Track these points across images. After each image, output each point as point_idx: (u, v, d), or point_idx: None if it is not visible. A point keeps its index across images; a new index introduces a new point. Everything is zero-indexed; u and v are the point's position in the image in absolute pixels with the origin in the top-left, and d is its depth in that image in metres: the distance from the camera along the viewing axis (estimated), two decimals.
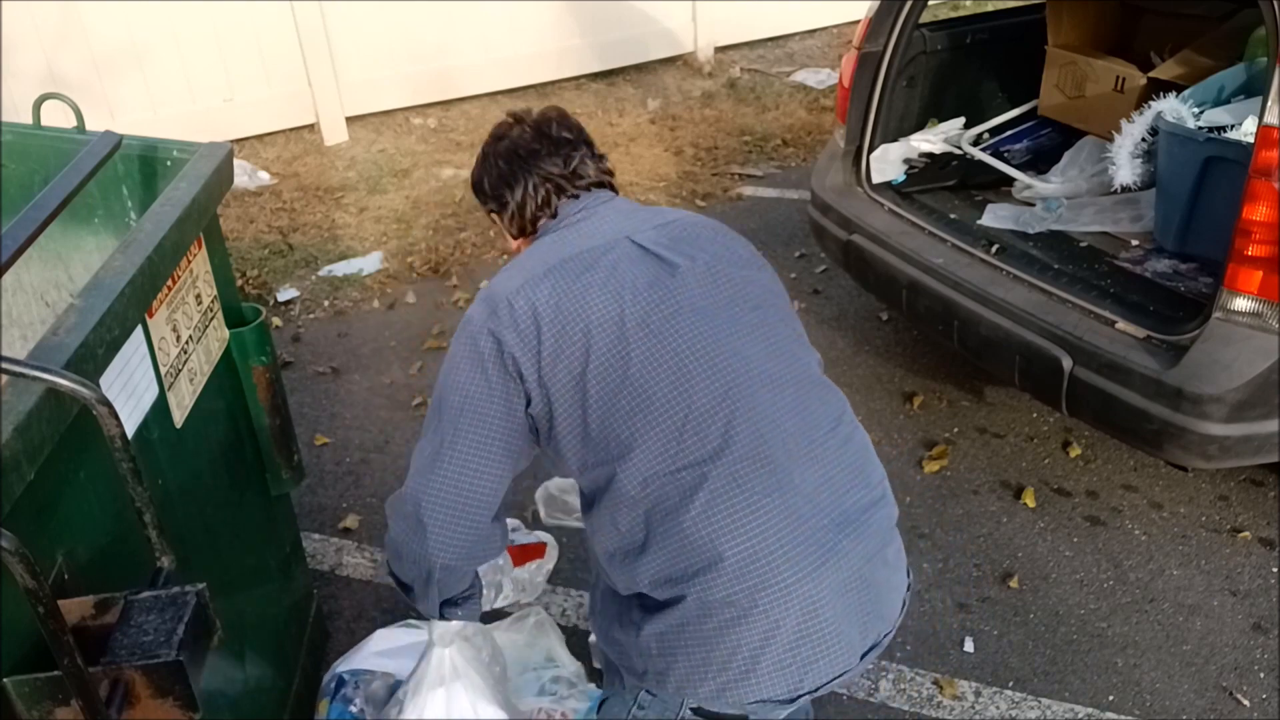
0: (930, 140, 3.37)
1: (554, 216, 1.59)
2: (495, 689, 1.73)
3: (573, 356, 1.38)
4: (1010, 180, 3.32)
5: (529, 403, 1.41)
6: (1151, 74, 3.22)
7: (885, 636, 1.46)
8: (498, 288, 1.48)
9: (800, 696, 1.38)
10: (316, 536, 2.79)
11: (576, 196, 1.59)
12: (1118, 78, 3.36)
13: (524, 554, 1.95)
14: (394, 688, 2.00)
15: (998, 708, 2.28)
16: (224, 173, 1.82)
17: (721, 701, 1.38)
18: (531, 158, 1.60)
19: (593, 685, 2.16)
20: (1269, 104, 2.14)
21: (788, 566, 1.34)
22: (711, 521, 1.34)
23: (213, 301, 1.77)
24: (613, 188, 1.66)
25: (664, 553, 1.37)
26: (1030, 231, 3.01)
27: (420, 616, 2.40)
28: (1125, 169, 2.89)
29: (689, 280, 1.45)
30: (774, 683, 1.35)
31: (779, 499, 1.36)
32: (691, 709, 1.42)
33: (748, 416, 1.38)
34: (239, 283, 3.91)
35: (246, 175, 4.83)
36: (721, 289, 1.47)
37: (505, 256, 4.23)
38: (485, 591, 1.75)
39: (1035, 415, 3.19)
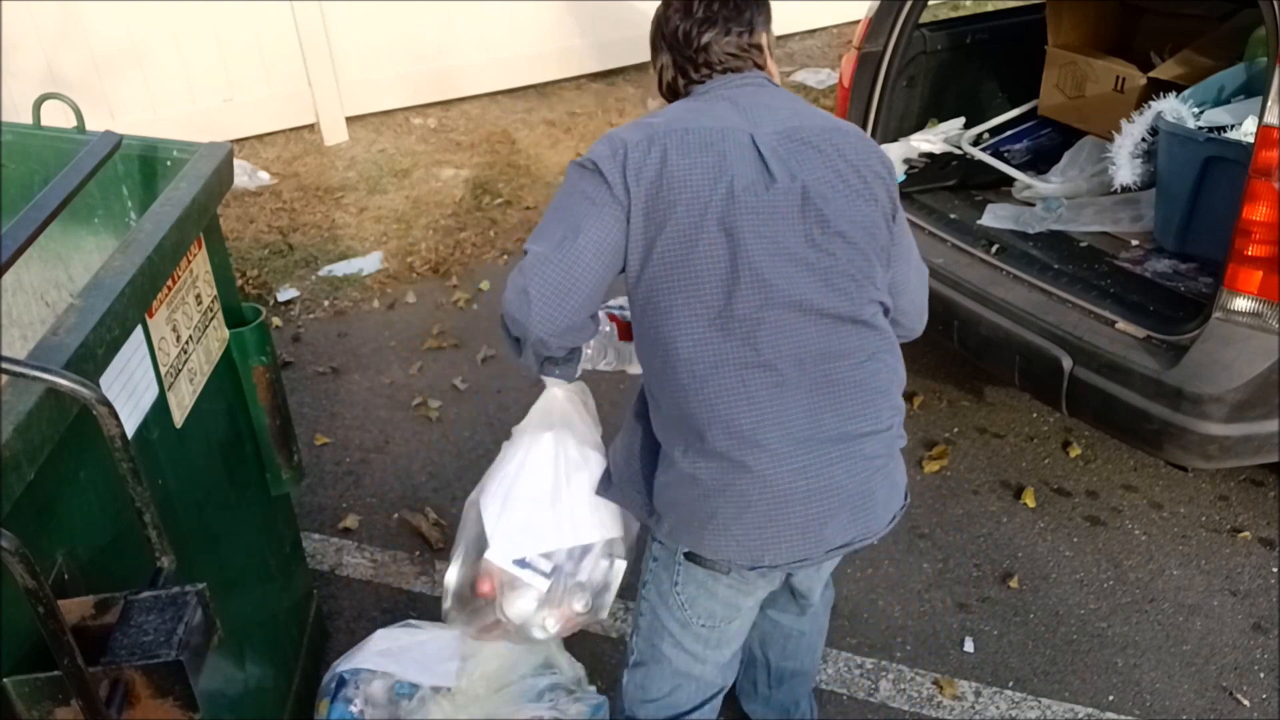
0: (930, 140, 3.37)
1: (687, 94, 1.68)
2: (596, 440, 1.87)
3: (654, 219, 1.51)
4: (1010, 180, 3.32)
5: None
6: (1152, 74, 3.21)
7: (863, 542, 1.61)
8: (623, 133, 1.57)
9: (760, 568, 1.59)
10: (316, 536, 2.79)
11: (702, 81, 1.65)
12: (1118, 78, 3.36)
13: (630, 331, 2.03)
14: (394, 688, 1.99)
15: (998, 708, 2.28)
16: (224, 173, 1.82)
17: (700, 551, 1.61)
18: (672, 35, 1.66)
19: (593, 689, 2.16)
20: (1269, 104, 2.14)
21: (769, 462, 1.50)
22: (712, 409, 1.51)
23: (213, 301, 1.77)
24: (757, 65, 1.70)
25: (667, 419, 1.57)
26: (1030, 231, 3.01)
27: (420, 616, 2.40)
28: (1125, 169, 2.89)
29: (779, 198, 1.52)
30: (739, 552, 1.56)
31: (777, 404, 1.51)
32: (684, 554, 1.66)
33: (773, 331, 1.51)
34: (239, 283, 3.91)
35: (246, 175, 4.83)
36: (806, 216, 1.53)
37: (506, 257, 4.23)
38: (588, 352, 1.88)
39: (1035, 415, 3.19)
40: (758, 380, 1.50)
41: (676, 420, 1.55)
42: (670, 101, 1.70)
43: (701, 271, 1.50)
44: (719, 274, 1.50)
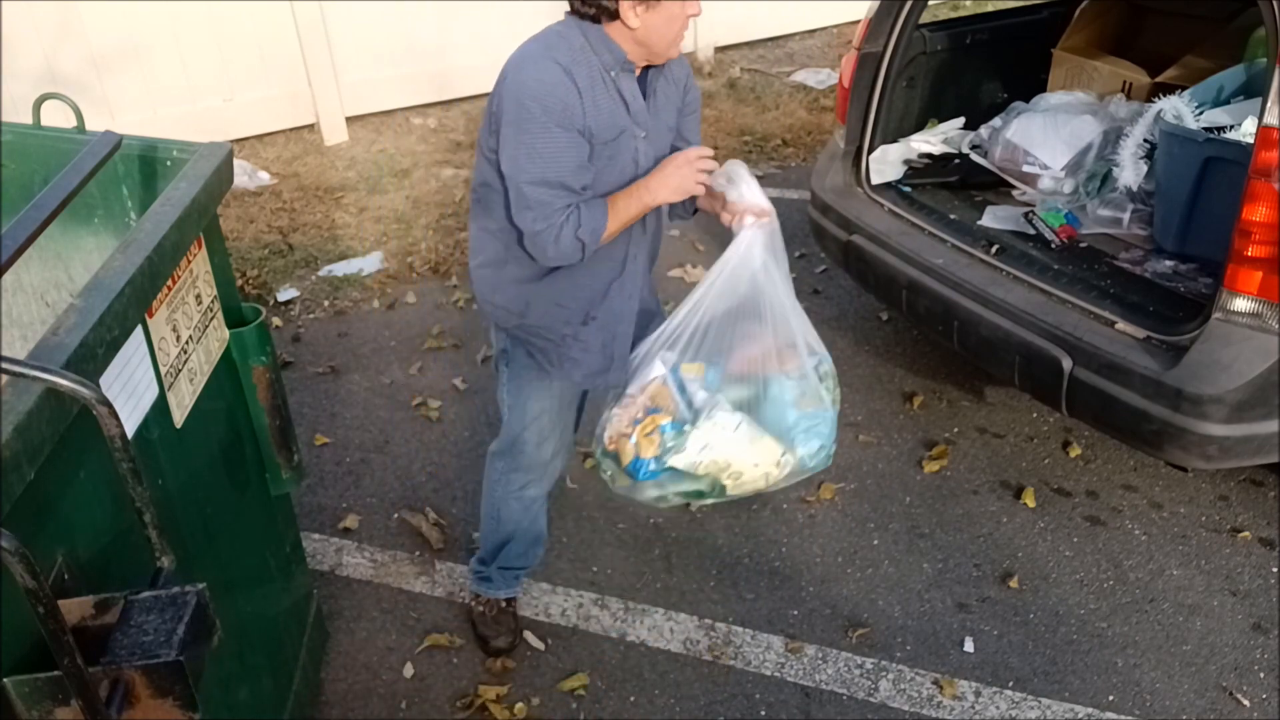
0: (929, 141, 3.37)
1: None
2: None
3: None
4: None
5: None
6: (1159, 79, 3.22)
7: None
8: None
9: None
10: (316, 536, 2.79)
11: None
12: (1125, 82, 3.37)
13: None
14: (661, 428, 2.03)
15: (998, 708, 2.28)
16: (224, 173, 1.82)
17: None
18: None
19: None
20: (1269, 104, 2.14)
21: None
22: None
23: (213, 301, 1.77)
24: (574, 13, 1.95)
25: None
26: (1030, 232, 3.01)
27: (420, 616, 2.39)
28: (1129, 170, 2.90)
29: None
30: None
31: None
32: None
33: None
34: (239, 283, 3.91)
35: (246, 175, 4.83)
36: None
37: None
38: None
39: (1035, 415, 3.19)
40: None
41: None
42: None
43: None
44: None
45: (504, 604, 2.47)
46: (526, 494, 2.31)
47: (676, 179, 1.95)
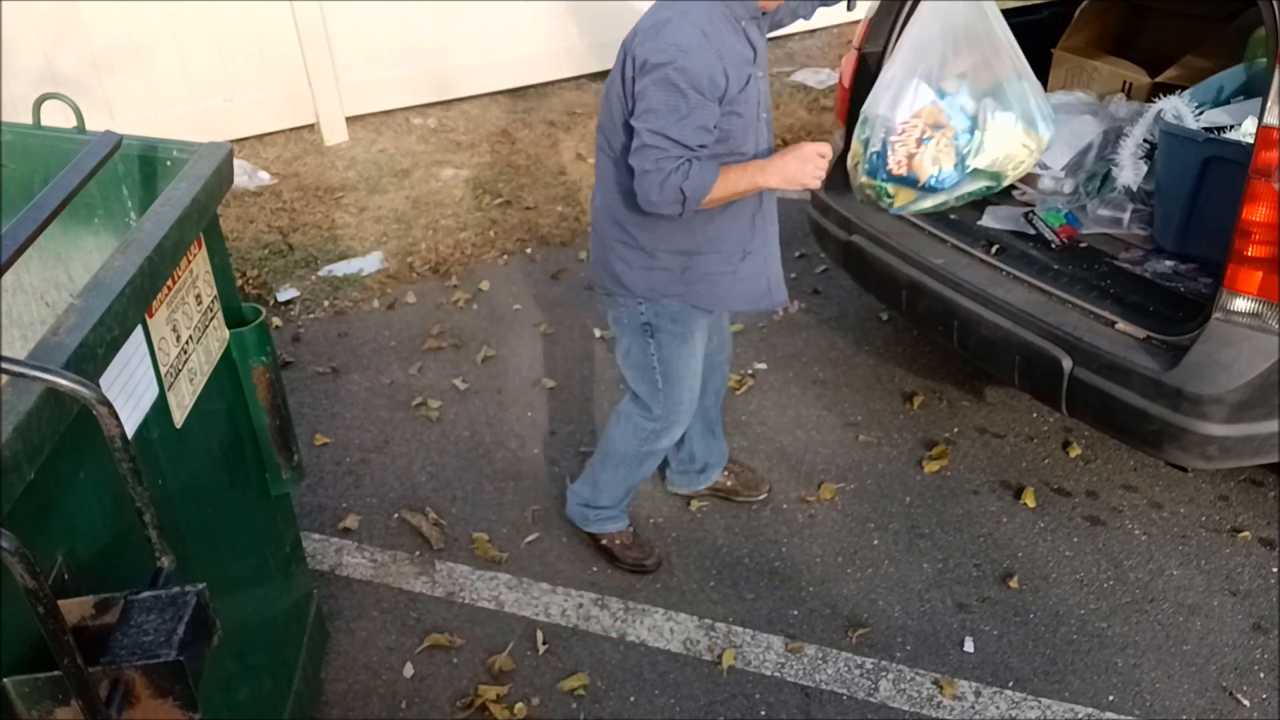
0: None
1: None
2: None
3: None
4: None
5: None
6: (1159, 79, 3.21)
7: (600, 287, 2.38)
8: None
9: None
10: (316, 536, 2.79)
11: None
12: (1125, 82, 3.36)
13: None
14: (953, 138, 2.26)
15: (998, 708, 2.28)
16: (224, 173, 1.82)
17: None
18: None
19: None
20: (1269, 104, 2.14)
21: None
22: None
23: (213, 301, 1.77)
24: None
25: None
26: (1030, 232, 3.01)
27: (420, 616, 2.39)
28: (1128, 170, 2.89)
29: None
30: None
31: None
32: None
33: None
34: (239, 283, 3.91)
35: (246, 175, 4.83)
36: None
37: (506, 257, 4.23)
38: None
39: (1035, 415, 3.19)
40: None
41: None
42: None
43: None
44: None
45: (633, 530, 2.69)
46: (669, 445, 2.54)
47: (794, 169, 2.05)
